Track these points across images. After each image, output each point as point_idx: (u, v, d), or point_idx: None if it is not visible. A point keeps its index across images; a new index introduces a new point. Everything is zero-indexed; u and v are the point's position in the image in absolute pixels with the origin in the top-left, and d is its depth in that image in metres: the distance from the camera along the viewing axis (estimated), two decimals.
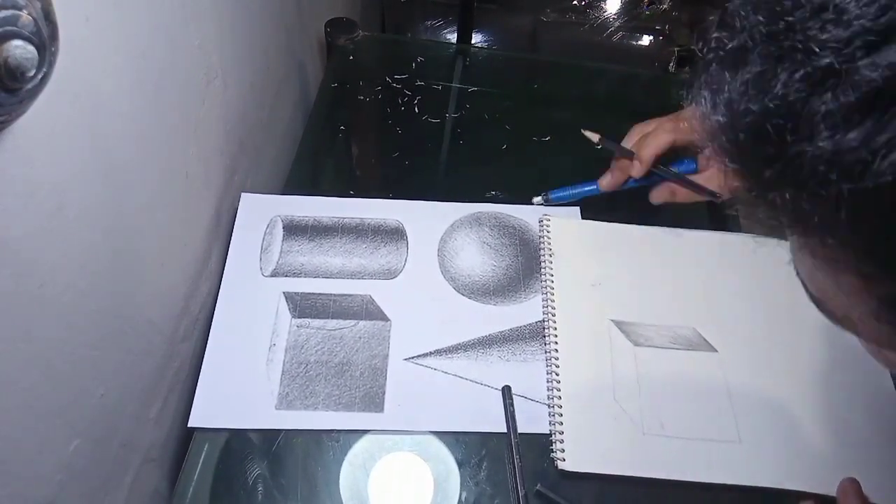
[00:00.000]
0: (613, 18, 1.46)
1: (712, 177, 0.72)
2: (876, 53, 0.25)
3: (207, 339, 0.66)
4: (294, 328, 0.68)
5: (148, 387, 0.60)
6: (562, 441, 0.61)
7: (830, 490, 0.59)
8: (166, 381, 0.63)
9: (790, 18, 0.27)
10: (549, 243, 0.75)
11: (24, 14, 0.32)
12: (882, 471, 0.60)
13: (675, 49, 1.41)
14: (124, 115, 0.50)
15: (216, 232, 0.72)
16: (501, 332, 0.69)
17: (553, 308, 0.70)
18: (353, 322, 0.68)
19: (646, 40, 1.46)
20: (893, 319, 0.30)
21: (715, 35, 0.31)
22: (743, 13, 0.29)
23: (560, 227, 0.77)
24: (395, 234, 0.76)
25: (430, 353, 0.67)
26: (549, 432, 0.62)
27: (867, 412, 0.64)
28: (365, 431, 0.62)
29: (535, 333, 0.69)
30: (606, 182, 0.77)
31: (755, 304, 0.71)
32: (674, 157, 0.75)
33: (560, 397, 0.64)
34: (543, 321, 0.70)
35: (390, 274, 0.73)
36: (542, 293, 0.72)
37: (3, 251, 0.38)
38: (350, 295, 0.71)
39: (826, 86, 0.26)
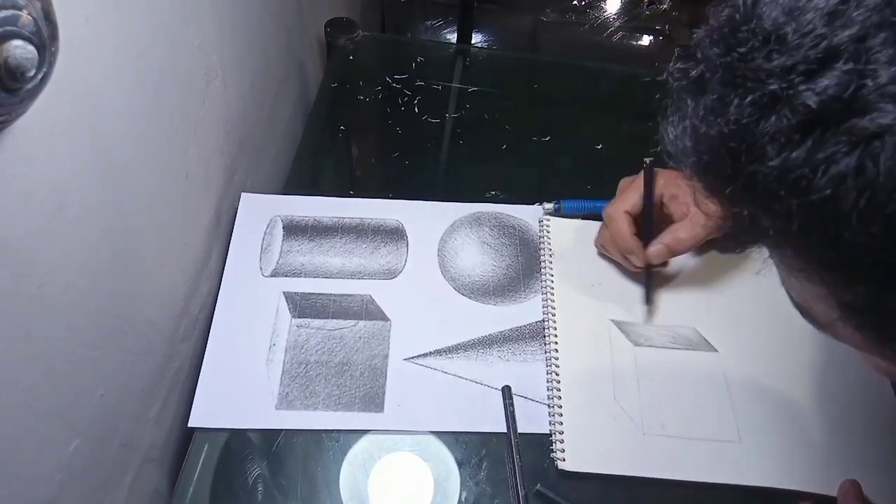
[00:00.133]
0: (613, 18, 1.46)
1: (694, 220, 0.68)
2: (812, 80, 0.27)
3: (207, 339, 0.66)
4: (294, 328, 0.68)
5: (148, 387, 0.60)
6: (562, 441, 0.61)
7: (830, 490, 0.59)
8: (166, 381, 0.63)
9: (742, 49, 0.30)
10: (549, 243, 0.75)
11: (24, 14, 0.32)
12: (882, 471, 0.60)
13: (675, 49, 1.41)
14: (124, 115, 0.50)
15: (216, 232, 0.72)
16: (501, 332, 0.69)
17: (553, 308, 0.70)
18: (353, 322, 0.68)
19: (646, 40, 1.46)
20: (858, 324, 0.32)
21: (679, 66, 0.34)
22: (703, 45, 0.32)
23: (560, 227, 0.77)
24: (395, 234, 0.76)
25: (430, 353, 0.67)
26: (549, 432, 0.62)
27: (867, 412, 0.64)
28: (365, 431, 0.62)
29: (535, 333, 0.69)
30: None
31: (755, 303, 0.71)
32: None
33: (560, 397, 0.64)
34: (543, 321, 0.70)
35: (390, 274, 0.73)
36: (542, 293, 0.72)
37: (3, 251, 0.38)
38: (350, 295, 0.71)
39: (773, 110, 0.28)
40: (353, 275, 0.72)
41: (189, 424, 0.61)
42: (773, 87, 0.28)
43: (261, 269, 0.72)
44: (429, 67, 0.98)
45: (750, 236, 0.33)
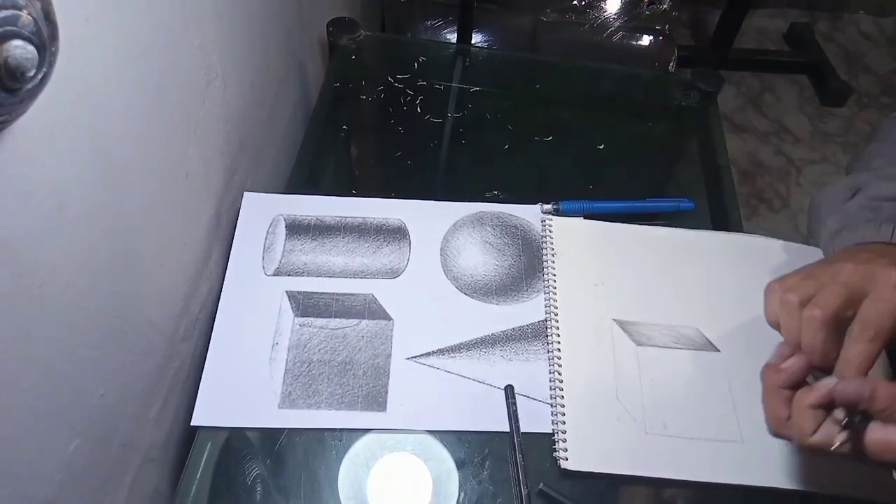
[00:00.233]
0: (613, 18, 1.46)
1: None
2: None
3: (208, 339, 0.66)
4: (297, 327, 0.67)
5: (148, 387, 0.60)
6: (564, 440, 0.61)
7: (832, 490, 0.59)
8: (166, 381, 0.63)
9: None
10: (552, 243, 0.75)
11: (24, 14, 0.32)
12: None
13: (675, 49, 1.40)
14: (124, 115, 0.50)
15: (216, 232, 0.72)
16: (504, 332, 0.69)
17: (556, 307, 0.70)
18: (355, 321, 0.68)
19: (646, 40, 1.45)
20: None
21: None
22: None
23: (562, 226, 0.76)
24: (397, 234, 0.76)
25: (433, 352, 0.67)
26: (551, 431, 0.62)
27: None
28: (368, 430, 0.62)
29: (538, 333, 0.69)
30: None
31: (758, 303, 0.70)
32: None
33: (563, 396, 0.64)
34: (546, 320, 0.70)
35: (393, 273, 0.73)
36: (545, 292, 0.72)
37: (3, 251, 0.38)
38: (353, 294, 0.70)
39: None
40: (356, 274, 0.72)
41: (192, 423, 0.61)
42: None
43: (263, 268, 0.72)
44: (430, 67, 0.98)
45: None
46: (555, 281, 0.72)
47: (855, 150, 1.78)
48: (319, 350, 0.66)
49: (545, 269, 0.73)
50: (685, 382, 0.66)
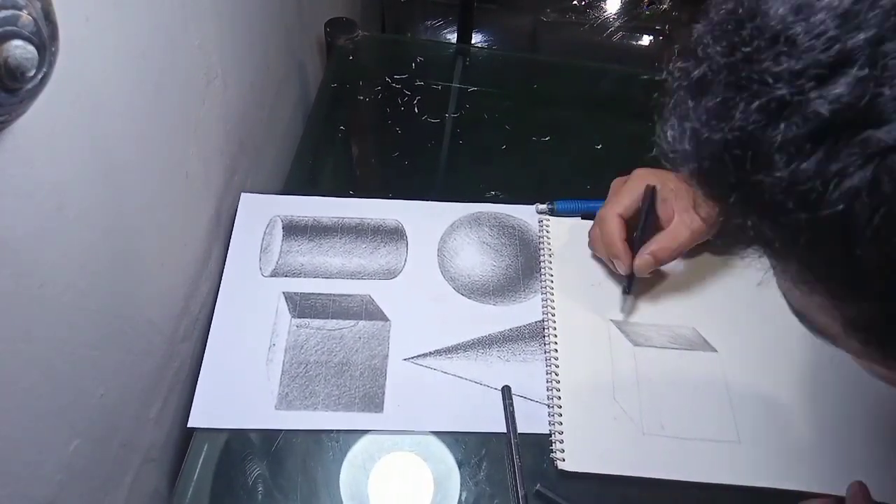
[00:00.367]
0: (613, 18, 1.46)
1: (680, 226, 0.67)
2: (824, 86, 0.25)
3: (207, 339, 0.66)
4: (294, 328, 0.68)
5: (148, 387, 0.60)
6: (561, 441, 0.61)
7: (830, 490, 0.59)
8: (166, 381, 0.63)
9: (747, 49, 0.28)
10: (549, 243, 0.75)
11: (24, 14, 0.32)
12: (882, 470, 0.60)
13: (675, 47, 1.40)
14: (124, 115, 0.50)
15: (216, 232, 0.72)
16: (501, 332, 0.69)
17: (553, 308, 0.70)
18: (352, 322, 0.68)
19: (646, 40, 1.46)
20: (861, 338, 0.30)
21: (679, 64, 0.31)
22: (705, 42, 0.30)
23: (560, 227, 0.77)
24: (394, 234, 0.76)
25: (430, 353, 0.67)
26: (548, 432, 0.62)
27: (867, 412, 0.64)
28: (364, 431, 0.62)
29: (535, 333, 0.69)
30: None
31: (755, 303, 0.71)
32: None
33: (560, 397, 0.64)
34: (543, 321, 0.70)
35: (390, 274, 0.73)
36: (542, 293, 0.72)
37: (3, 251, 0.38)
38: (350, 295, 0.71)
39: (781, 117, 0.26)
40: (353, 275, 0.72)
41: (189, 424, 0.61)
42: (781, 92, 0.26)
43: (260, 269, 0.72)
44: (429, 67, 0.98)
45: (751, 244, 0.32)
46: (552, 281, 0.72)
47: None
48: (316, 351, 0.66)
49: (542, 270, 0.73)
50: (682, 383, 0.66)
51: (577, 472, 0.60)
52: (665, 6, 1.47)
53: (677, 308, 0.71)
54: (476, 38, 1.39)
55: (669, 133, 0.32)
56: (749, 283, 0.72)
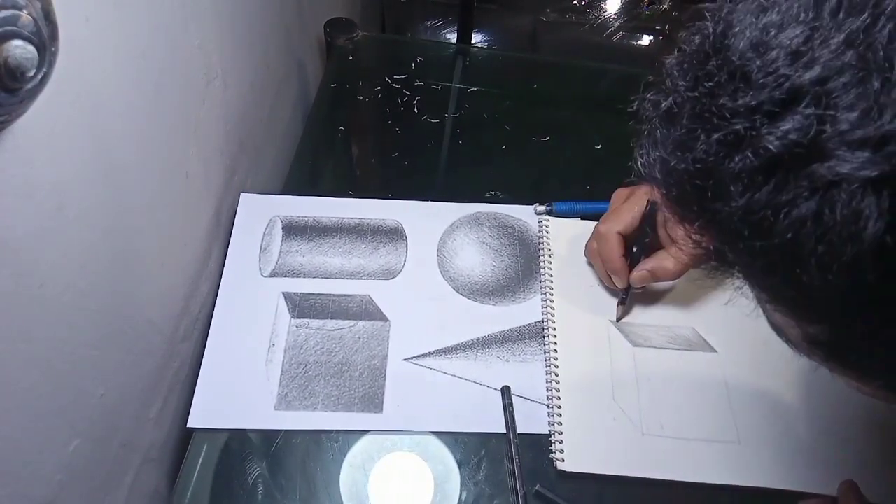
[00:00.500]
0: (613, 18, 1.46)
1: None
2: (775, 122, 0.27)
3: (207, 339, 0.66)
4: (293, 328, 0.68)
5: (148, 387, 0.60)
6: (561, 441, 0.61)
7: (829, 490, 0.59)
8: (166, 381, 0.63)
9: (710, 84, 0.29)
10: (549, 244, 0.75)
11: (24, 14, 0.32)
12: (880, 471, 0.60)
13: (676, 49, 1.41)
14: (124, 115, 0.50)
15: (216, 232, 0.72)
16: (501, 333, 0.69)
17: (552, 308, 0.70)
18: (352, 322, 0.68)
19: (646, 40, 1.46)
20: (823, 353, 0.32)
21: (652, 96, 0.33)
22: (673, 75, 0.32)
23: (559, 227, 0.77)
24: (394, 235, 0.76)
25: (430, 353, 0.67)
26: (548, 433, 0.62)
27: (865, 413, 0.64)
28: (364, 432, 0.62)
29: (535, 334, 0.69)
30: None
31: (754, 303, 0.70)
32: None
33: (559, 398, 0.64)
34: (543, 321, 0.70)
35: (389, 274, 0.73)
36: (542, 293, 0.72)
37: (3, 251, 0.38)
38: (349, 295, 0.71)
39: (737, 150, 0.28)
40: (353, 275, 0.72)
41: (188, 425, 0.61)
42: (737, 126, 0.28)
43: (260, 269, 0.72)
44: (428, 67, 0.98)
45: (720, 267, 0.34)
46: (551, 282, 0.72)
47: None
48: (316, 351, 0.66)
49: (542, 270, 0.73)
50: (682, 383, 0.66)
51: (576, 473, 0.60)
52: (665, 6, 1.47)
53: (677, 308, 0.71)
54: (476, 38, 1.39)
55: (643, 159, 0.34)
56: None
